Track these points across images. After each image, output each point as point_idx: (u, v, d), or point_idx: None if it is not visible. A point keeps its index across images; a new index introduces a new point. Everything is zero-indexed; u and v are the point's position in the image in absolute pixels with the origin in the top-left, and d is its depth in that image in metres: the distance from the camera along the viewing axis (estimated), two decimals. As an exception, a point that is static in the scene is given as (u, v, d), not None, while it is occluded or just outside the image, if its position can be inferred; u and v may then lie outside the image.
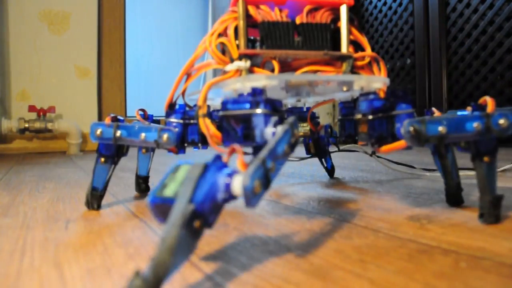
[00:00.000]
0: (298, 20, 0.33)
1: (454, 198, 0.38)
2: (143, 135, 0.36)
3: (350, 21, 0.34)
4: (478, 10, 1.24)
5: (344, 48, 0.33)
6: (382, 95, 0.34)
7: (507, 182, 0.52)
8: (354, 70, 0.34)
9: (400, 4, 1.51)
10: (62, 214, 0.39)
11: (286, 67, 0.35)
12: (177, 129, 0.40)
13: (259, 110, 0.29)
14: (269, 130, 0.28)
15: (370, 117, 0.34)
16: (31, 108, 1.43)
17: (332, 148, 0.63)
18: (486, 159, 0.32)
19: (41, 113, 1.45)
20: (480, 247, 0.26)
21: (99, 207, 0.41)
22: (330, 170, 0.63)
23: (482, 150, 0.32)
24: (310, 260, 0.24)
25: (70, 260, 0.25)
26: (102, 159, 0.40)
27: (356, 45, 0.35)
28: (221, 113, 0.31)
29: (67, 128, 1.47)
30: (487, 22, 1.21)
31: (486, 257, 0.24)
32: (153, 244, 0.28)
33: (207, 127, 0.32)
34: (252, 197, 0.22)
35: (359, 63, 0.34)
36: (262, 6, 0.33)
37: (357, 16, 1.75)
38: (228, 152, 0.24)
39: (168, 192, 0.21)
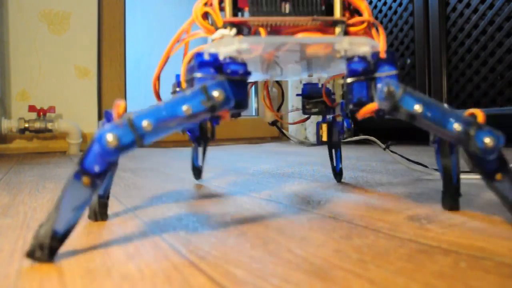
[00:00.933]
0: None
1: (450, 202, 0.36)
2: (185, 107, 0.26)
3: None
4: (478, 10, 1.24)
5: (337, 12, 0.32)
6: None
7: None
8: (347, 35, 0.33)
9: (400, 4, 1.51)
10: (62, 214, 0.39)
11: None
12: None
13: (197, 74, 0.29)
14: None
15: (349, 80, 0.31)
16: (31, 108, 1.43)
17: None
18: (498, 176, 0.28)
19: (41, 113, 1.44)
20: (480, 247, 0.26)
21: (106, 216, 0.37)
22: (338, 173, 0.56)
23: (488, 168, 0.28)
24: (310, 260, 0.24)
25: (70, 260, 0.25)
26: None
27: (358, 12, 0.34)
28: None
29: (67, 128, 1.47)
30: (487, 22, 1.21)
31: (486, 257, 0.24)
32: (153, 244, 0.28)
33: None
34: (107, 149, 0.24)
35: (354, 29, 0.33)
36: None
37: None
38: (114, 107, 0.26)
39: None
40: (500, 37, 1.18)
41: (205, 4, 0.33)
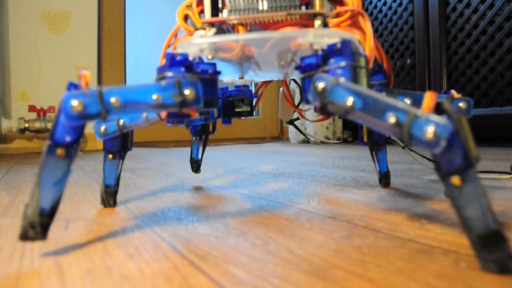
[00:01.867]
0: None
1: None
2: (156, 96, 0.26)
3: None
4: (478, 10, 1.24)
5: (317, 5, 0.31)
6: (367, 51, 0.30)
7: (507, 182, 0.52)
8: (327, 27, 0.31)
9: (400, 4, 1.51)
10: (62, 214, 0.39)
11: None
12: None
13: (169, 73, 0.29)
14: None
15: (301, 76, 0.30)
16: (31, 108, 1.43)
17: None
18: (455, 180, 0.22)
19: (41, 113, 1.45)
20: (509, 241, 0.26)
21: (115, 203, 0.42)
22: (383, 176, 0.50)
23: (444, 166, 0.22)
24: (310, 260, 0.24)
25: (70, 260, 0.25)
26: (110, 156, 0.40)
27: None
28: None
29: (67, 128, 1.47)
30: (487, 22, 1.21)
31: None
32: (153, 244, 0.28)
33: None
34: (70, 114, 0.25)
35: (337, 20, 0.31)
36: None
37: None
38: (81, 77, 0.26)
39: None
40: (500, 37, 1.18)
41: (188, 6, 0.34)
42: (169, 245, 0.28)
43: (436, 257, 0.24)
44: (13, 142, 1.51)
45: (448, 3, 1.33)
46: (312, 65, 0.28)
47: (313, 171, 0.70)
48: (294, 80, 0.50)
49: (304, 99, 0.29)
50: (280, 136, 2.10)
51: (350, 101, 0.24)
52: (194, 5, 0.33)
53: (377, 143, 0.49)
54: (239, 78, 0.44)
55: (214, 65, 0.31)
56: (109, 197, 0.42)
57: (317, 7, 0.31)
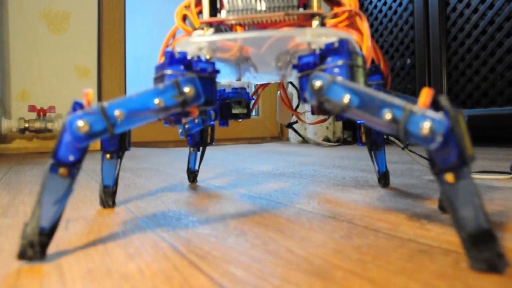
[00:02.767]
0: None
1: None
2: (158, 100, 0.26)
3: None
4: (478, 10, 1.24)
5: (314, 5, 0.31)
6: (365, 51, 0.30)
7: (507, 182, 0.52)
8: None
9: (400, 4, 1.51)
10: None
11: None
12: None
13: (168, 71, 0.29)
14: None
15: (298, 75, 0.30)
16: (31, 108, 1.43)
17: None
18: (448, 178, 0.22)
19: (41, 113, 1.45)
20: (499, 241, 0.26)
21: (114, 203, 0.42)
22: (382, 176, 0.50)
23: (439, 163, 0.22)
24: (310, 260, 0.24)
25: (70, 260, 0.25)
26: (108, 156, 0.40)
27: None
28: None
29: (67, 128, 1.47)
30: (487, 22, 1.21)
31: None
32: (153, 244, 0.28)
33: None
34: (77, 135, 0.25)
35: (335, 20, 0.31)
36: None
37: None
38: (83, 96, 0.26)
39: None
40: (500, 37, 1.18)
41: (186, 7, 0.34)
42: (169, 245, 0.28)
43: (436, 257, 0.24)
44: (13, 142, 1.51)
45: (448, 3, 1.33)
46: (309, 64, 0.28)
47: (313, 171, 0.70)
48: (291, 83, 0.50)
49: (301, 98, 0.29)
50: (280, 136, 2.10)
51: (346, 98, 0.24)
52: (193, 5, 0.33)
53: (376, 143, 0.49)
54: (237, 80, 0.44)
55: (213, 63, 0.31)
56: (108, 197, 0.42)
57: (315, 8, 0.31)
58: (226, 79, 0.44)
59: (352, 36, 0.30)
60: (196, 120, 0.51)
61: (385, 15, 1.58)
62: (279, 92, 0.49)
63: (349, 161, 0.86)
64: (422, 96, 0.22)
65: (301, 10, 0.31)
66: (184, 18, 0.34)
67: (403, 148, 0.51)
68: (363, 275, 0.21)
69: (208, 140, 0.56)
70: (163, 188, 0.55)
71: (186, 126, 0.52)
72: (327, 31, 0.29)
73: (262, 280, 0.21)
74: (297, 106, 0.49)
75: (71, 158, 0.26)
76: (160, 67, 0.30)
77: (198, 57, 0.31)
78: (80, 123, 0.25)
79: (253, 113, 2.14)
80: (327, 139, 1.71)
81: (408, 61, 1.49)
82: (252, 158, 1.02)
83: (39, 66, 1.55)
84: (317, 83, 0.25)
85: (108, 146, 0.40)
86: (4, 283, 0.22)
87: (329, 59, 0.28)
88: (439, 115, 0.21)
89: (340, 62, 0.27)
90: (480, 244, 0.21)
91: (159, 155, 1.19)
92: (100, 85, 1.67)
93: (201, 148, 0.57)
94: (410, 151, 0.55)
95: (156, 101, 0.26)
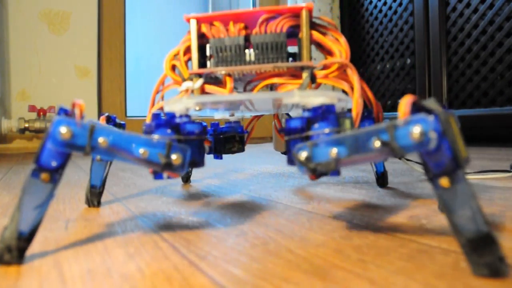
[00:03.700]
0: (254, 33, 0.31)
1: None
2: (143, 150, 0.26)
3: (315, 26, 0.32)
4: (478, 10, 1.24)
5: (305, 57, 0.31)
6: (354, 107, 0.30)
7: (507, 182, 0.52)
8: (315, 80, 0.32)
9: (400, 4, 1.51)
10: (62, 214, 0.39)
11: (248, 82, 0.35)
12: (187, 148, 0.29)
13: (155, 137, 0.29)
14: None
15: (286, 138, 0.30)
16: (31, 108, 1.43)
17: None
18: (443, 182, 0.21)
19: (41, 113, 1.45)
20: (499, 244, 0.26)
21: (99, 203, 0.43)
22: (380, 177, 0.51)
23: (433, 168, 0.21)
24: (310, 260, 0.24)
25: (70, 260, 0.25)
26: (98, 157, 0.40)
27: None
28: None
29: (67, 128, 1.47)
30: (487, 22, 1.21)
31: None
32: (153, 243, 0.28)
33: None
34: (57, 139, 0.25)
35: (323, 72, 0.31)
36: (215, 23, 0.32)
37: (357, 16, 1.75)
38: (76, 106, 0.27)
39: None
40: (500, 37, 1.18)
41: (175, 55, 0.34)
42: (169, 245, 0.28)
43: (436, 257, 0.24)
44: (13, 142, 1.51)
45: (448, 3, 1.33)
46: (296, 129, 0.29)
47: (313, 171, 0.70)
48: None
49: (288, 161, 0.29)
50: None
51: (334, 152, 0.24)
52: (181, 53, 0.33)
53: None
54: (230, 116, 0.45)
55: (200, 125, 0.31)
56: (94, 197, 0.42)
57: (305, 59, 0.31)
58: (219, 115, 0.44)
59: (341, 92, 0.30)
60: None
61: (385, 15, 1.58)
62: (273, 122, 0.49)
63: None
64: (400, 107, 0.22)
65: (291, 62, 0.31)
66: (174, 67, 0.34)
67: (400, 158, 0.50)
68: (363, 275, 0.21)
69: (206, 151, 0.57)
70: (163, 188, 0.55)
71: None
72: (314, 92, 0.29)
73: (262, 280, 0.21)
74: None
75: (54, 163, 0.25)
76: (147, 128, 0.30)
77: (187, 116, 0.31)
78: (63, 129, 0.24)
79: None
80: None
81: (408, 61, 1.49)
82: (252, 158, 1.02)
83: (39, 66, 1.55)
84: (303, 155, 0.25)
85: None
86: (4, 283, 0.22)
87: (316, 126, 0.27)
88: (422, 116, 0.21)
89: (327, 130, 0.27)
90: (481, 249, 0.20)
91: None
92: (100, 85, 1.67)
93: None
94: (407, 159, 0.55)
95: (142, 150, 0.26)
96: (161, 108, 0.34)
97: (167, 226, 0.34)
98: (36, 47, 1.55)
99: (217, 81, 0.33)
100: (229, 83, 0.32)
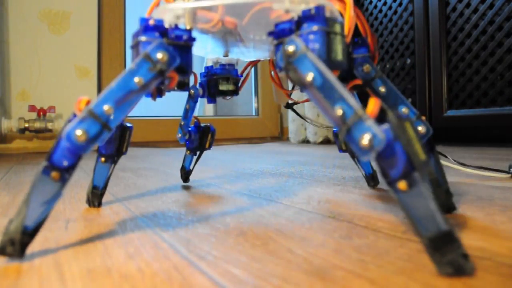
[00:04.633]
0: None
1: (446, 206, 0.34)
2: (136, 79, 0.27)
3: None
4: (478, 10, 1.24)
5: None
6: (346, 21, 0.29)
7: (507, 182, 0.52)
8: None
9: (400, 4, 1.51)
10: (62, 214, 0.39)
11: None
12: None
13: (142, 38, 0.29)
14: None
15: (275, 42, 0.29)
16: (31, 108, 1.43)
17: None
18: (401, 185, 0.21)
19: (41, 113, 1.45)
20: (480, 247, 0.26)
21: (100, 204, 0.42)
22: (369, 177, 0.51)
23: (390, 173, 0.22)
24: (310, 260, 0.24)
25: (70, 260, 0.25)
26: (103, 159, 0.40)
27: None
28: None
29: (67, 128, 1.47)
30: (487, 22, 1.21)
31: (486, 257, 0.24)
32: (153, 243, 0.28)
33: None
34: (78, 145, 0.25)
35: None
36: None
37: (357, 16, 1.74)
38: (77, 102, 0.27)
39: None
40: (500, 37, 1.18)
41: None
42: (169, 245, 0.28)
43: (436, 257, 0.24)
44: (13, 142, 1.51)
45: (448, 3, 1.33)
46: (285, 31, 0.28)
47: (313, 171, 0.70)
48: (293, 109, 0.49)
49: (277, 66, 0.28)
50: (280, 136, 2.10)
51: (310, 76, 0.24)
52: None
53: None
54: (224, 56, 0.43)
55: (189, 31, 0.30)
56: (95, 198, 0.42)
57: None
58: (212, 54, 0.43)
59: (332, 3, 0.29)
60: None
61: (385, 15, 1.58)
62: (271, 72, 0.48)
63: (349, 161, 0.86)
64: (370, 105, 0.22)
65: None
66: None
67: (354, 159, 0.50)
68: (363, 275, 0.21)
69: (207, 146, 0.56)
70: (163, 188, 0.55)
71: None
72: None
73: (262, 280, 0.21)
74: (293, 88, 0.48)
75: (65, 163, 0.26)
76: (135, 35, 0.30)
77: (176, 26, 0.30)
78: (78, 132, 0.25)
79: (253, 113, 2.14)
80: (327, 139, 1.71)
81: (408, 61, 1.49)
82: (252, 158, 1.02)
83: (39, 66, 1.55)
84: (290, 48, 0.25)
85: (104, 150, 0.40)
86: (4, 283, 0.22)
87: (305, 25, 0.27)
88: (381, 131, 0.21)
89: (315, 27, 0.26)
90: (442, 248, 0.21)
91: (159, 155, 1.19)
92: (100, 85, 1.66)
93: (197, 152, 0.57)
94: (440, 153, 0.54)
95: (136, 79, 0.26)
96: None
97: (167, 226, 0.34)
98: (36, 47, 1.55)
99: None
100: None
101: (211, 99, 0.48)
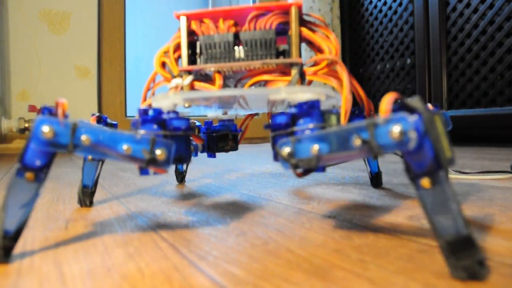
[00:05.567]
0: (244, 29, 0.32)
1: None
2: (126, 146, 0.26)
3: (305, 23, 0.32)
4: (478, 10, 1.24)
5: (294, 54, 0.30)
6: (343, 103, 0.29)
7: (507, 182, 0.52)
8: (304, 77, 0.31)
9: (400, 4, 1.51)
10: (62, 214, 0.39)
11: (238, 80, 0.34)
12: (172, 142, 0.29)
13: (141, 131, 0.29)
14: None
15: (272, 134, 0.29)
16: (31, 108, 1.43)
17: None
18: (424, 183, 0.21)
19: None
20: (480, 247, 0.26)
21: (91, 203, 0.43)
22: (374, 177, 0.51)
23: (414, 168, 0.21)
24: (310, 260, 0.24)
25: (70, 260, 0.25)
26: (90, 157, 0.40)
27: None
28: None
29: (67, 128, 1.47)
30: (487, 22, 1.21)
31: (486, 257, 0.24)
32: (153, 243, 0.28)
33: None
34: (39, 138, 0.24)
35: (312, 69, 0.31)
36: (205, 20, 0.32)
37: (357, 16, 1.75)
38: (58, 105, 0.26)
39: None
40: (500, 37, 1.18)
41: (165, 53, 0.34)
42: (169, 245, 0.28)
43: (436, 257, 0.24)
44: (13, 142, 1.51)
45: (448, 3, 1.33)
46: (281, 125, 0.28)
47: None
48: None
49: (273, 157, 0.28)
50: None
51: (315, 149, 0.24)
52: (171, 51, 0.33)
53: None
54: (223, 114, 0.44)
55: (187, 121, 0.31)
56: (86, 197, 0.42)
57: (294, 56, 0.30)
58: (212, 113, 0.43)
59: (329, 88, 0.30)
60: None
61: (385, 15, 1.58)
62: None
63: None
64: (382, 104, 0.21)
65: (280, 59, 0.31)
66: (164, 64, 0.34)
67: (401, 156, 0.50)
68: (363, 275, 0.21)
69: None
70: (163, 188, 0.55)
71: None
72: (301, 88, 0.29)
73: (262, 280, 0.21)
74: None
75: (38, 163, 0.25)
76: (134, 125, 0.30)
77: (174, 112, 0.31)
78: (46, 128, 0.24)
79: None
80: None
81: (408, 61, 1.49)
82: (252, 158, 1.02)
83: (39, 66, 1.55)
84: (286, 150, 0.25)
85: None
86: (4, 283, 0.22)
87: (300, 121, 0.27)
88: (405, 115, 0.20)
89: (311, 125, 0.27)
90: (459, 252, 0.20)
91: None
92: (100, 85, 1.67)
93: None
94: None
95: (125, 146, 0.26)
96: (151, 105, 0.34)
97: (167, 226, 0.34)
98: (36, 47, 1.55)
99: (207, 79, 0.33)
100: (218, 80, 0.32)
101: (211, 154, 0.48)
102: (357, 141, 0.21)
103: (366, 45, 1.69)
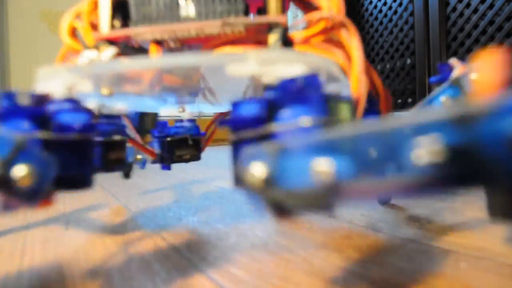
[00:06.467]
0: None
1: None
2: None
3: None
4: (478, 10, 1.24)
5: (273, 9, 0.19)
6: (354, 87, 0.18)
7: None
8: (291, 46, 0.19)
9: (400, 4, 1.51)
10: (62, 214, 0.39)
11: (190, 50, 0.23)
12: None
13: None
14: None
15: (232, 137, 0.18)
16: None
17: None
18: None
19: (41, 113, 1.45)
20: (480, 247, 0.26)
21: None
22: None
23: None
24: (310, 260, 0.24)
25: (70, 260, 0.25)
26: None
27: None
28: None
29: (67, 128, 1.47)
30: (487, 22, 1.21)
31: (486, 257, 0.24)
32: (153, 244, 0.28)
33: None
34: None
35: (302, 33, 0.20)
36: None
37: (357, 16, 1.75)
38: None
39: None
40: (500, 37, 1.18)
41: (78, 15, 0.24)
42: (169, 245, 0.28)
43: (436, 257, 0.24)
44: (13, 142, 1.51)
45: (448, 3, 1.33)
46: (247, 121, 0.16)
47: (313, 171, 0.70)
48: None
49: (233, 181, 0.18)
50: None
51: (324, 168, 0.12)
52: (86, 13, 0.23)
53: None
54: (180, 111, 0.31)
55: (88, 113, 0.18)
56: None
57: (272, 13, 0.19)
58: (165, 110, 0.31)
59: (331, 61, 0.18)
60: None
61: (385, 15, 1.58)
62: None
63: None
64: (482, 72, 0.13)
65: (251, 17, 0.20)
66: (75, 30, 0.24)
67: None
68: (363, 275, 0.21)
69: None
70: (163, 188, 0.55)
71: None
72: (285, 54, 0.17)
73: (262, 280, 0.21)
74: None
75: None
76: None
77: (70, 100, 0.19)
78: None
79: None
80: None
81: (408, 61, 1.49)
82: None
83: (39, 66, 1.55)
84: (257, 170, 0.13)
85: None
86: (4, 283, 0.22)
87: (285, 113, 0.15)
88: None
89: (306, 120, 0.14)
90: None
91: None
92: (100, 85, 1.67)
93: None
94: None
95: None
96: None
97: (167, 226, 0.34)
98: (36, 47, 1.55)
99: (143, 53, 0.22)
100: (155, 51, 0.21)
101: (166, 166, 0.37)
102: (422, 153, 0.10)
103: (366, 45, 1.69)
